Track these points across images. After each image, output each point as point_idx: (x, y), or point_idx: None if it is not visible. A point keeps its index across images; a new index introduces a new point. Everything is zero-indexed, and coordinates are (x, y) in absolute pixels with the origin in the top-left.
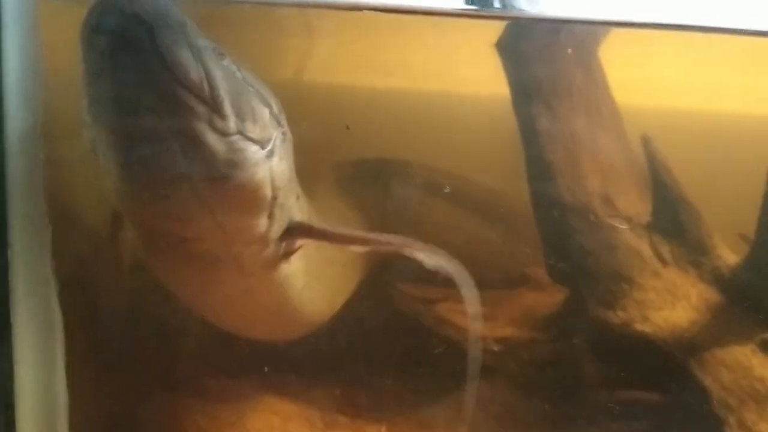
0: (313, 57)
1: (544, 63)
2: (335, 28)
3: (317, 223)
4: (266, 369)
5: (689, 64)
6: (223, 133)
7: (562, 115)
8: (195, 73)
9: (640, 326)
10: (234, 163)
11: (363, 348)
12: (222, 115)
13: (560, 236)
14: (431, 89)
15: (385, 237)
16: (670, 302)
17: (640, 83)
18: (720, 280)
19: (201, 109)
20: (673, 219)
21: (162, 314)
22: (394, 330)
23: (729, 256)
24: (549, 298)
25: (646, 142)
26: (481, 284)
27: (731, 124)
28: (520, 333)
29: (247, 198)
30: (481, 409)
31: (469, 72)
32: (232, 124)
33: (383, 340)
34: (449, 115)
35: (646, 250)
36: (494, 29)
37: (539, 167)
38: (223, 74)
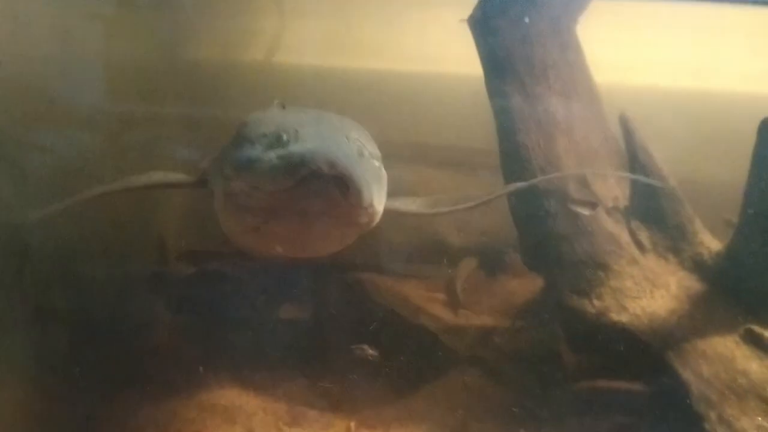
0: (284, 38)
1: (518, 39)
2: (307, 8)
3: None
4: (223, 363)
5: (673, 40)
6: (369, 215)
7: (536, 93)
8: (366, 198)
9: (616, 316)
10: (373, 217)
11: (335, 340)
12: (371, 205)
13: (533, 220)
14: (404, 69)
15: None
16: (648, 290)
17: (620, 60)
18: (701, 268)
19: (362, 213)
20: (652, 204)
21: (120, 308)
22: (368, 321)
23: (711, 242)
24: (528, 285)
25: (623, 122)
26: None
27: (717, 103)
28: (497, 321)
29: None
30: (453, 400)
31: (443, 52)
32: (376, 204)
33: (356, 332)
34: (423, 95)
35: (623, 235)
36: (468, 6)
37: (511, 148)
38: (373, 177)
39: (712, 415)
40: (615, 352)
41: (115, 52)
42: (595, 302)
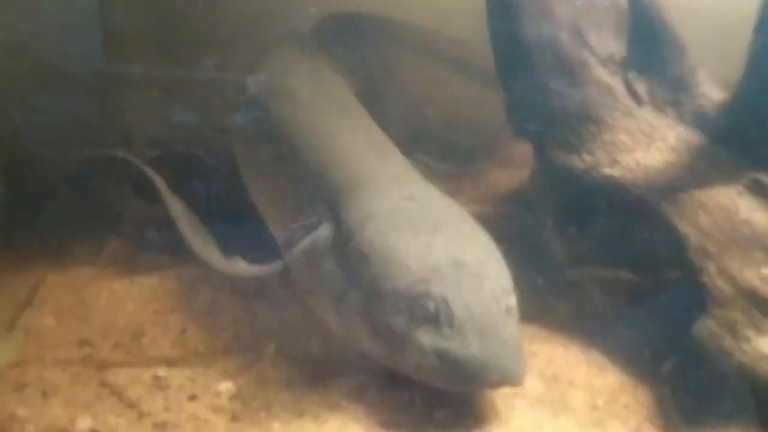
0: None
1: None
2: None
3: None
4: None
5: None
6: None
7: None
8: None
9: (608, 170)
10: None
11: None
12: None
13: (521, 74)
14: None
15: None
16: (644, 144)
17: None
18: (703, 121)
19: None
20: (651, 52)
21: (85, 188)
22: None
23: (714, 93)
24: (515, 176)
25: None
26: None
27: None
28: (483, 210)
29: None
30: None
31: None
32: None
33: None
34: None
35: (618, 88)
36: None
37: None
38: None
39: (711, 267)
40: (605, 210)
41: None
42: (585, 157)
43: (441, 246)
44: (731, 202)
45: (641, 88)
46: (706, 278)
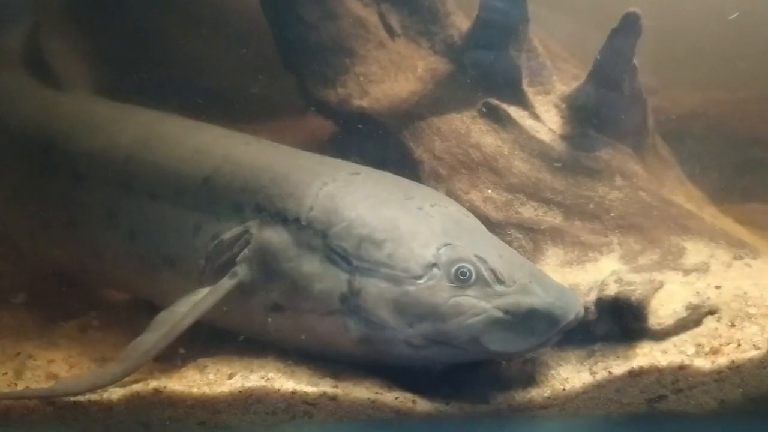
0: None
1: None
2: None
3: None
4: None
5: None
6: None
7: None
8: None
9: (357, 101)
10: None
11: None
12: None
13: (281, 8)
14: None
15: None
16: (392, 74)
17: None
18: (451, 50)
19: None
20: None
21: None
22: None
23: (463, 23)
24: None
25: None
26: (272, 115)
27: None
28: None
29: None
30: None
31: None
32: None
33: None
34: None
35: (372, 19)
36: None
37: None
38: None
39: (442, 190)
40: (355, 139)
41: None
42: (339, 90)
43: (431, 208)
44: (464, 127)
45: (395, 19)
46: None
